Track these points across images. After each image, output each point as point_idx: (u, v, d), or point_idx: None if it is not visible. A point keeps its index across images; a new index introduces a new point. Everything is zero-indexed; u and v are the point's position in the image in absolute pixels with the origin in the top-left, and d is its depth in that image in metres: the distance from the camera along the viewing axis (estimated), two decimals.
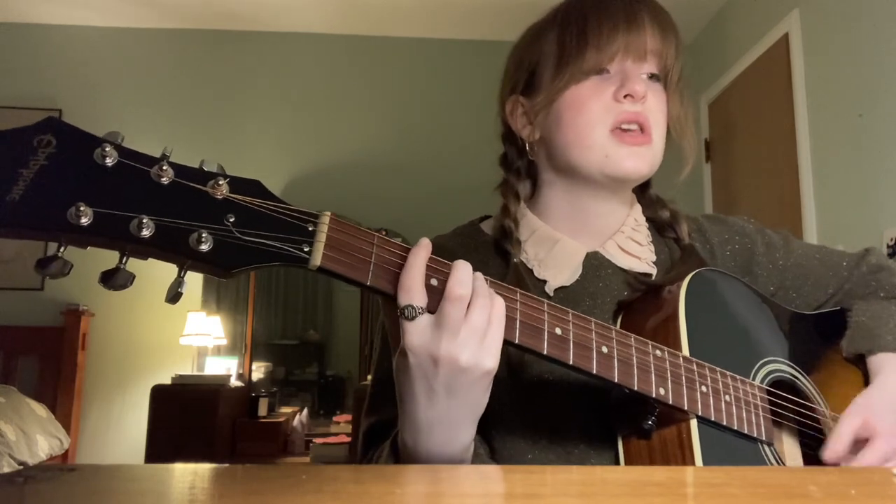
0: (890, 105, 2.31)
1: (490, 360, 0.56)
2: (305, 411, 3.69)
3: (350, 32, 4.09)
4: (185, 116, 3.96)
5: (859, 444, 0.72)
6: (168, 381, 3.40)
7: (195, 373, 3.63)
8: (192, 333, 3.56)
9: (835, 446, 0.71)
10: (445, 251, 0.82)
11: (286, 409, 3.76)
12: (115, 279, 0.49)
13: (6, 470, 2.51)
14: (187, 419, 3.22)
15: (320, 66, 4.09)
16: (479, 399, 0.59)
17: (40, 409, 3.24)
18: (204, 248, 0.49)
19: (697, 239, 0.85)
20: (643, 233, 0.83)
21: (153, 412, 3.23)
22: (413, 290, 0.55)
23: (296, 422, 3.57)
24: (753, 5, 3.26)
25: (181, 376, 3.45)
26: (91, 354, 3.65)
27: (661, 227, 0.85)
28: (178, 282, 0.51)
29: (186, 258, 0.50)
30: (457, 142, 3.74)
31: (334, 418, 3.71)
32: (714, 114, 3.61)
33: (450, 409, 0.58)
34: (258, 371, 3.92)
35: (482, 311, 0.56)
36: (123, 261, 0.49)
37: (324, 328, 4.09)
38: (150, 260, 0.50)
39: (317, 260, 0.53)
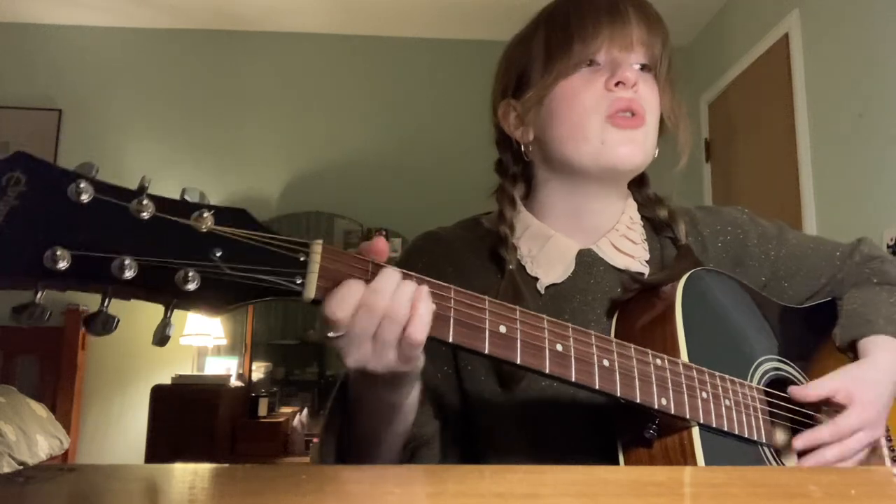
0: (890, 105, 2.31)
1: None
2: (305, 411, 3.68)
3: (350, 32, 4.08)
4: (184, 116, 3.96)
5: (834, 407, 0.73)
6: (168, 381, 3.40)
7: (195, 373, 3.63)
8: (192, 333, 3.55)
9: (808, 391, 0.73)
10: (446, 242, 0.83)
11: (286, 409, 3.76)
12: (96, 323, 0.46)
13: (6, 470, 2.51)
14: (187, 419, 3.22)
15: (320, 66, 4.09)
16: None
17: (40, 409, 3.24)
18: (191, 286, 0.46)
19: (689, 231, 0.85)
20: (637, 231, 0.83)
21: (153, 412, 3.23)
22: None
23: (296, 422, 3.57)
24: (753, 5, 3.26)
25: (181, 376, 3.44)
26: (91, 354, 3.64)
27: (658, 227, 0.85)
28: (165, 324, 0.48)
29: (173, 297, 0.47)
30: (457, 142, 3.74)
31: None
32: (714, 114, 3.61)
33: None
34: (258, 371, 3.91)
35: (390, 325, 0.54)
36: (106, 304, 0.46)
37: None
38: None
39: (311, 292, 0.51)
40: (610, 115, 0.74)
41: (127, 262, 0.44)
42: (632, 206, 0.85)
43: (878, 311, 0.82)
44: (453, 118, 3.86)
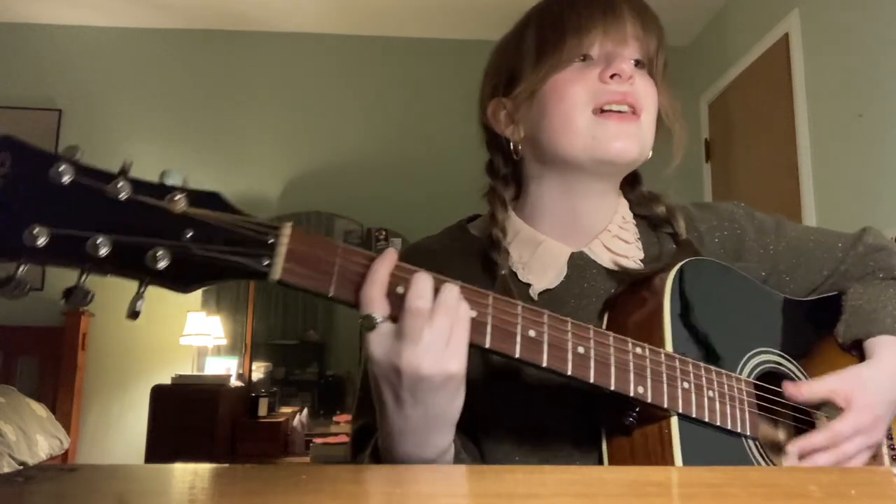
0: (890, 105, 2.31)
1: (453, 363, 0.56)
2: (305, 411, 3.69)
3: (350, 33, 4.08)
4: (184, 116, 3.96)
5: (832, 407, 0.72)
6: (168, 381, 3.40)
7: (195, 373, 3.63)
8: (192, 333, 3.55)
9: (802, 391, 0.72)
10: (432, 254, 0.81)
11: (286, 409, 3.76)
12: (73, 296, 0.48)
13: (6, 470, 2.51)
14: (187, 419, 3.22)
15: (320, 66, 4.09)
16: (447, 404, 0.58)
17: (40, 409, 3.24)
18: (161, 265, 0.48)
19: (687, 228, 0.83)
20: (630, 230, 0.81)
21: (153, 412, 3.23)
22: (373, 301, 0.55)
23: (296, 422, 3.57)
24: (753, 5, 3.26)
25: (181, 376, 3.44)
26: (91, 354, 3.64)
27: (655, 224, 0.83)
28: (137, 298, 0.50)
29: (145, 275, 0.49)
30: (457, 142, 3.73)
31: (334, 418, 3.70)
32: (714, 114, 3.61)
33: (419, 416, 0.58)
34: (258, 371, 3.91)
35: (445, 318, 0.55)
36: (82, 279, 0.49)
37: (324, 328, 4.09)
38: None
39: (276, 273, 0.52)
40: (601, 108, 0.73)
41: (101, 240, 0.47)
42: (624, 206, 0.83)
43: (884, 309, 0.79)
44: (453, 118, 3.85)
